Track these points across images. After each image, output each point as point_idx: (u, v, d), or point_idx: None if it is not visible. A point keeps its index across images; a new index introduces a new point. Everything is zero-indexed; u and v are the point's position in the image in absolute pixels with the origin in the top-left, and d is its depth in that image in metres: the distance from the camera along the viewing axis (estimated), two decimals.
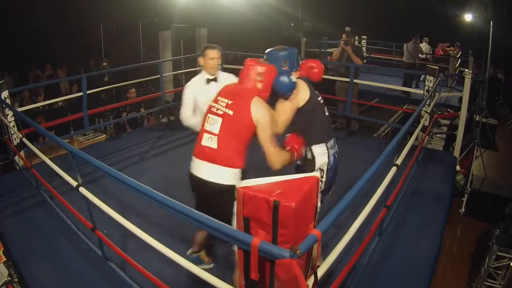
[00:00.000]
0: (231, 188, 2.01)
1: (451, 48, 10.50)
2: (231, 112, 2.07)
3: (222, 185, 2.07)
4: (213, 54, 2.92)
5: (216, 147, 2.07)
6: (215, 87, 2.79)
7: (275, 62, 2.28)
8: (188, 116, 2.94)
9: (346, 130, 5.69)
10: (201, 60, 2.98)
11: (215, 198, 2.08)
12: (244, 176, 2.11)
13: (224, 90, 2.23)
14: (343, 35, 5.35)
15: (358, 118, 5.68)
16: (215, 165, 2.08)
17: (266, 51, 2.38)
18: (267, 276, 1.41)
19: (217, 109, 2.11)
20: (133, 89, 6.90)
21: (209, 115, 2.14)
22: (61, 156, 4.20)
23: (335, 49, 6.98)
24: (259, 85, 2.16)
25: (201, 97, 2.86)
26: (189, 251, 2.57)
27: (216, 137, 2.08)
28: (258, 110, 2.06)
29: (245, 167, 2.14)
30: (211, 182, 2.08)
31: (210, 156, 2.09)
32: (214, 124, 2.09)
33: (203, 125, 2.16)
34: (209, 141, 2.10)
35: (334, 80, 5.68)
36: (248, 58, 2.25)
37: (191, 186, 2.24)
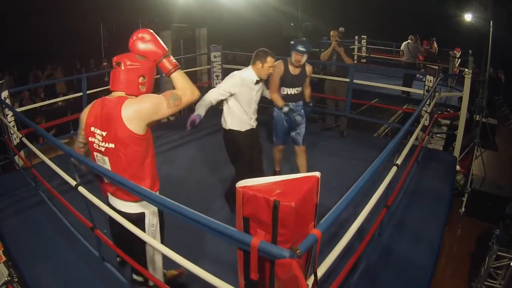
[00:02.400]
0: (140, 215, 1.94)
1: (424, 43, 10.63)
2: (112, 145, 1.77)
3: (131, 214, 1.94)
4: (272, 63, 2.94)
5: (113, 188, 1.90)
6: (258, 88, 3.01)
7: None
8: (215, 99, 2.91)
9: (336, 129, 5.70)
10: (259, 64, 2.92)
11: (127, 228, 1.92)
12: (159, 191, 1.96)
13: (93, 116, 1.82)
14: (335, 35, 5.34)
15: (355, 118, 5.70)
16: (122, 201, 1.93)
17: None
18: (267, 276, 1.41)
19: (98, 146, 1.81)
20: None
21: (95, 153, 1.86)
22: (61, 156, 4.19)
23: None
24: (141, 79, 1.82)
25: (245, 94, 2.94)
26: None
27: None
28: (131, 111, 1.72)
29: (157, 182, 1.97)
30: (122, 212, 1.95)
31: (115, 194, 1.93)
32: (105, 164, 1.84)
33: (95, 161, 1.89)
34: (107, 182, 1.91)
35: (324, 80, 5.69)
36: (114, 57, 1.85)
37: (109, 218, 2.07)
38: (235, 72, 2.97)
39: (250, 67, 2.96)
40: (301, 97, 3.60)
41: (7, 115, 3.98)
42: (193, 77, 8.88)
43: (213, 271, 1.62)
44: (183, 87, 1.83)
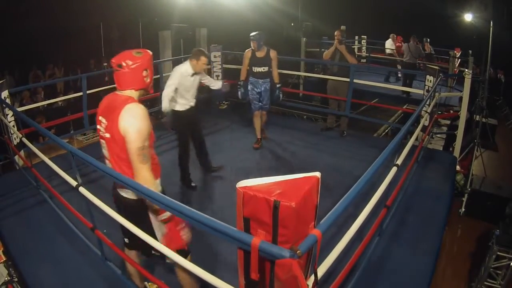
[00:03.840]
0: (140, 200, 2.00)
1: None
2: (108, 135, 1.89)
3: (132, 199, 2.03)
4: (205, 62, 3.70)
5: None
6: (194, 79, 3.73)
7: None
8: (169, 92, 3.61)
9: (337, 129, 5.71)
10: (194, 61, 3.64)
11: (131, 212, 2.05)
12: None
13: (102, 106, 1.99)
14: (338, 34, 5.33)
15: (355, 118, 5.70)
16: (120, 188, 2.04)
17: None
18: (267, 276, 1.41)
19: (103, 133, 1.94)
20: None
21: (100, 140, 2.01)
22: (61, 156, 4.20)
23: None
24: (147, 80, 1.98)
25: (184, 83, 3.67)
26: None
27: (110, 163, 1.99)
28: (127, 119, 1.81)
29: (157, 172, 2.07)
30: (123, 197, 2.06)
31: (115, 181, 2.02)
32: (104, 149, 1.99)
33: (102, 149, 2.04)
34: (108, 166, 2.01)
35: (326, 80, 5.69)
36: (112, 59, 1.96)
37: (114, 202, 2.20)
38: (176, 68, 3.70)
39: (187, 61, 3.68)
40: (268, 75, 4.73)
41: (7, 115, 3.98)
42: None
43: (213, 271, 1.62)
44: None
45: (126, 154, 1.87)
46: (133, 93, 1.96)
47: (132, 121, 1.81)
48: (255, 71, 4.68)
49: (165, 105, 3.60)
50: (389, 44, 11.09)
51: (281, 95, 4.85)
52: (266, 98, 4.81)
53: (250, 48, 4.65)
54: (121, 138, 1.84)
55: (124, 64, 1.90)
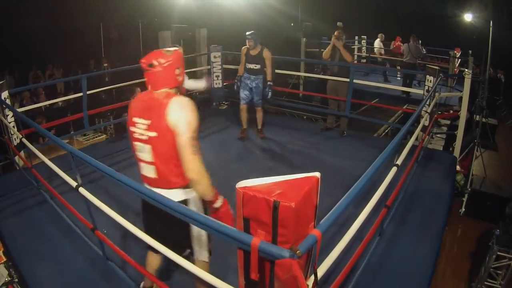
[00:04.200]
0: (184, 203, 1.92)
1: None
2: (154, 134, 1.82)
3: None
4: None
5: (154, 176, 1.90)
6: None
7: None
8: None
9: (337, 130, 5.71)
10: None
11: (171, 217, 1.80)
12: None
13: (135, 108, 1.92)
14: (337, 33, 5.33)
15: (355, 118, 5.70)
16: (162, 189, 1.91)
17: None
18: (267, 276, 1.41)
19: (140, 134, 1.87)
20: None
21: (135, 142, 1.91)
22: (61, 157, 4.20)
23: None
24: (179, 78, 1.94)
25: None
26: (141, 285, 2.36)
27: (152, 166, 1.88)
28: (176, 113, 1.79)
29: None
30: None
31: (155, 183, 1.93)
32: (145, 153, 1.88)
33: (135, 152, 1.95)
34: (148, 170, 1.92)
35: (326, 80, 5.69)
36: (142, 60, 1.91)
37: (142, 209, 2.11)
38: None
39: None
40: (260, 72, 5.00)
41: (7, 115, 3.98)
42: (193, 78, 8.87)
43: (213, 271, 1.62)
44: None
45: (175, 150, 1.80)
46: (170, 91, 1.92)
47: (182, 113, 1.79)
48: (248, 67, 4.99)
49: None
50: (376, 43, 11.17)
51: (270, 93, 5.03)
52: (257, 95, 5.10)
53: (246, 46, 4.99)
54: (171, 133, 1.79)
55: (156, 63, 1.85)
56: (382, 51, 11.44)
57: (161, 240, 1.87)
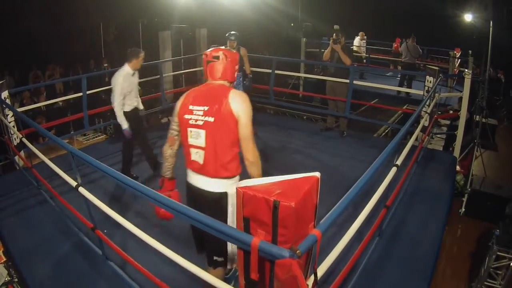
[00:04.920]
0: (224, 195, 2.00)
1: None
2: (211, 119, 1.93)
3: (215, 193, 2.01)
4: (143, 57, 3.93)
5: (203, 162, 1.97)
6: (135, 78, 3.96)
7: None
8: (121, 105, 3.84)
9: (336, 130, 5.71)
10: (134, 60, 3.84)
11: (209, 206, 2.00)
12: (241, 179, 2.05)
13: (193, 96, 2.04)
14: (333, 35, 5.35)
15: (355, 119, 5.71)
16: (208, 178, 2.00)
17: None
18: (267, 276, 1.41)
19: (196, 120, 1.96)
20: (140, 88, 6.85)
21: (189, 129, 2.00)
22: (61, 156, 4.20)
23: None
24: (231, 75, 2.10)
25: (128, 85, 3.86)
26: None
27: (203, 151, 1.96)
28: (238, 104, 1.93)
29: (241, 171, 2.06)
30: (205, 191, 2.02)
31: (201, 170, 2.00)
32: (199, 138, 1.97)
33: (186, 139, 2.03)
34: (197, 156, 1.99)
35: (325, 80, 5.70)
36: (204, 53, 2.10)
37: (188, 196, 2.17)
38: (115, 75, 3.83)
39: (125, 64, 3.85)
40: (239, 70, 4.76)
41: (7, 115, 3.98)
42: (193, 78, 8.87)
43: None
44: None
45: (231, 137, 1.94)
46: (225, 84, 2.07)
47: (245, 106, 1.94)
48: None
49: (121, 117, 3.82)
50: (356, 42, 11.05)
51: (250, 84, 5.23)
52: (238, 88, 5.04)
53: (227, 47, 4.93)
54: (231, 120, 1.91)
55: (222, 56, 2.03)
56: (363, 50, 11.32)
57: (202, 240, 2.10)
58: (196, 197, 2.07)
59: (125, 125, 3.83)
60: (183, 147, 2.08)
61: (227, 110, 1.91)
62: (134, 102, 4.06)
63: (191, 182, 2.10)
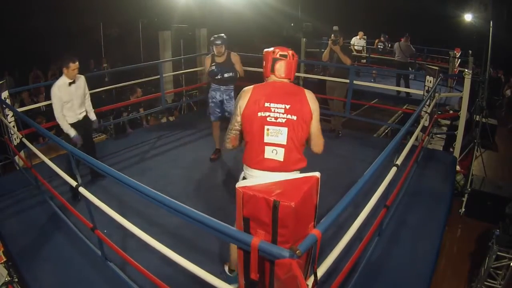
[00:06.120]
0: None
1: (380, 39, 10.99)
2: (294, 117, 1.96)
3: None
4: (76, 67, 3.51)
5: (283, 159, 1.98)
6: (74, 88, 3.56)
7: None
8: (61, 114, 3.51)
9: (335, 129, 5.71)
10: (65, 69, 3.48)
11: None
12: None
13: (265, 94, 2.03)
14: (332, 36, 5.35)
15: (355, 119, 5.70)
16: (285, 173, 1.98)
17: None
18: (267, 276, 1.41)
19: (276, 118, 1.96)
20: (139, 89, 6.86)
21: (267, 126, 1.97)
22: (61, 156, 4.20)
23: None
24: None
25: (66, 96, 3.49)
26: (226, 268, 2.47)
27: (283, 148, 1.97)
28: (313, 102, 2.04)
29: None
30: None
31: (280, 167, 1.99)
32: (279, 136, 1.96)
33: (261, 137, 1.98)
34: (273, 154, 1.98)
35: (325, 80, 5.70)
36: (270, 51, 2.10)
37: None
38: (53, 87, 3.47)
39: (63, 74, 3.51)
40: (232, 81, 4.25)
41: (7, 115, 3.98)
42: (193, 78, 8.88)
43: (213, 271, 1.62)
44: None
45: (307, 133, 2.03)
46: (292, 84, 2.13)
47: (317, 104, 2.06)
48: (217, 78, 4.13)
49: (66, 126, 3.52)
50: (357, 42, 10.95)
51: None
52: (231, 107, 4.19)
53: (211, 54, 4.23)
54: (310, 117, 2.01)
55: (290, 55, 2.06)
56: (359, 48, 11.25)
57: None
58: None
59: (72, 133, 3.53)
60: (252, 145, 2.03)
61: (307, 107, 2.00)
62: (79, 114, 3.65)
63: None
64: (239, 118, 2.07)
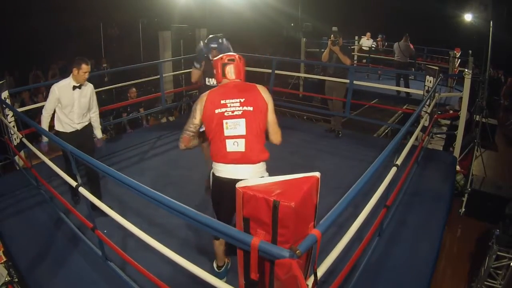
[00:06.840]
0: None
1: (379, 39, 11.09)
2: (250, 108, 2.12)
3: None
4: (87, 69, 3.20)
5: (244, 150, 2.10)
6: (78, 93, 3.22)
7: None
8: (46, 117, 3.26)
9: (335, 130, 5.71)
10: (75, 70, 3.15)
11: None
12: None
13: (219, 94, 2.19)
14: (331, 36, 5.35)
15: (355, 119, 5.69)
16: (249, 165, 2.12)
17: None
18: (266, 276, 1.41)
19: (233, 112, 2.11)
20: (134, 89, 6.89)
21: (226, 121, 2.11)
22: (61, 156, 4.20)
23: None
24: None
25: (65, 100, 3.18)
26: (214, 265, 2.51)
27: (244, 139, 2.10)
28: (266, 94, 2.20)
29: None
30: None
31: (243, 158, 2.11)
32: (237, 127, 2.10)
33: (220, 132, 2.12)
34: (235, 146, 2.10)
35: (324, 80, 5.70)
36: (218, 58, 2.31)
37: (220, 191, 2.20)
38: (53, 85, 3.20)
39: (70, 75, 3.20)
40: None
41: (8, 115, 3.98)
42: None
43: (213, 271, 1.62)
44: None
45: (264, 122, 2.17)
46: (245, 82, 2.30)
47: (269, 95, 2.23)
48: (210, 84, 3.63)
49: (43, 129, 3.14)
50: (363, 42, 11.05)
51: None
52: None
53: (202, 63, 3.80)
54: (266, 107, 2.17)
55: (237, 58, 2.27)
56: (366, 49, 11.27)
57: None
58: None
59: (44, 138, 3.23)
60: (213, 143, 2.16)
61: (261, 99, 2.16)
62: (76, 124, 3.26)
63: (226, 176, 2.15)
64: (196, 121, 2.22)
